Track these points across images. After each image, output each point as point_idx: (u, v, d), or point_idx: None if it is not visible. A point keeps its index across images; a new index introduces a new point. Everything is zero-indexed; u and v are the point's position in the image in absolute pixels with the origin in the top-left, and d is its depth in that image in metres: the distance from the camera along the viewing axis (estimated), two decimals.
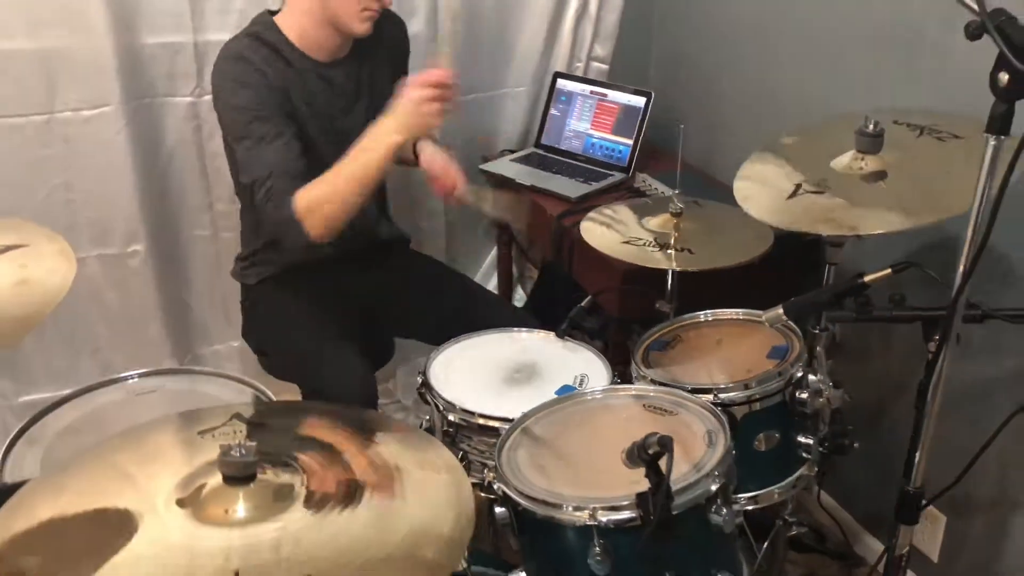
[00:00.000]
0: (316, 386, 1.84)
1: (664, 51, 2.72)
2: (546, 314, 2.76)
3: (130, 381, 1.64)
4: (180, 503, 1.01)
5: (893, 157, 1.53)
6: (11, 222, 1.20)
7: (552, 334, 1.87)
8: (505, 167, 2.48)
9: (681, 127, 1.76)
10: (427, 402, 1.71)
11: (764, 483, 1.52)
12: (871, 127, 1.48)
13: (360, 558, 0.95)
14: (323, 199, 1.72)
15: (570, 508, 1.20)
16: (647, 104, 2.42)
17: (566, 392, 1.65)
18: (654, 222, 1.83)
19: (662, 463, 1.09)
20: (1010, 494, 1.79)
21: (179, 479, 1.05)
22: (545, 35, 2.52)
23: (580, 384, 1.69)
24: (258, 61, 1.80)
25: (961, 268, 1.19)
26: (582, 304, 1.92)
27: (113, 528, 0.98)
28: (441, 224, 2.63)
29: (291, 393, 2.00)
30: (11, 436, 1.45)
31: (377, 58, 1.98)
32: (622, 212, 1.93)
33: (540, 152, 2.57)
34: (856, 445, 1.67)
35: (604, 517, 1.17)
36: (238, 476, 1.02)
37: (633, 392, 1.47)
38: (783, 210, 1.52)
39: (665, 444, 1.05)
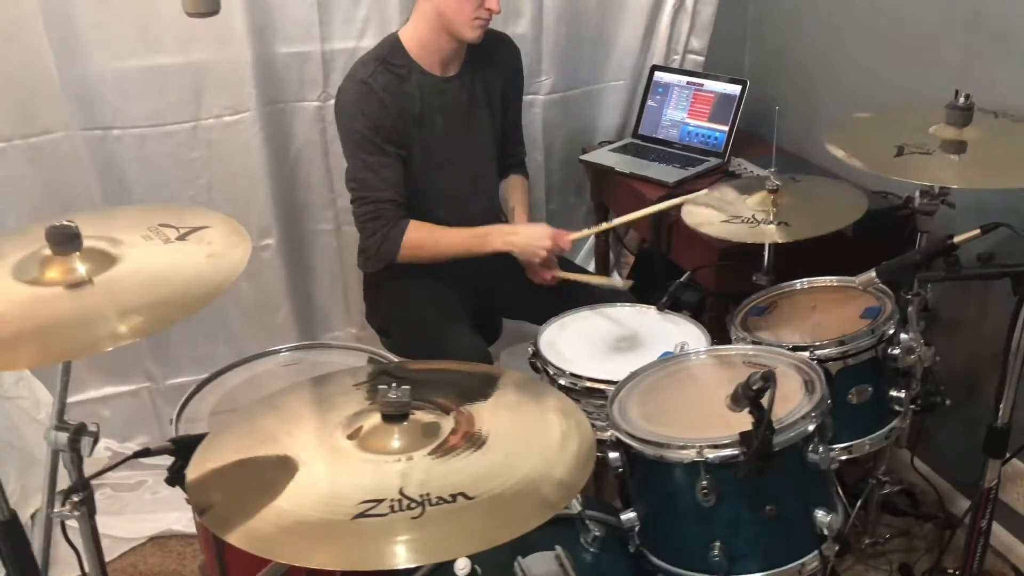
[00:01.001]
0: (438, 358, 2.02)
1: (758, 42, 2.81)
2: (643, 298, 2.90)
3: (281, 355, 1.87)
4: (349, 436, 1.20)
5: (976, 132, 1.61)
6: (195, 209, 1.40)
7: (652, 308, 2.00)
8: (603, 157, 2.62)
9: (777, 108, 1.86)
10: (538, 370, 1.86)
11: (857, 435, 1.62)
12: (962, 100, 1.56)
13: (490, 488, 1.10)
14: (425, 247, 2.05)
15: (678, 447, 1.33)
16: (743, 91, 2.52)
17: (668, 356, 1.79)
18: (752, 200, 1.93)
19: (764, 400, 1.21)
20: None
21: (344, 419, 1.24)
22: (644, 30, 2.65)
23: (680, 351, 1.81)
24: (380, 89, 2.01)
25: None
26: (681, 280, 2.05)
27: (285, 466, 1.17)
28: (543, 214, 2.79)
29: None
30: (186, 395, 1.69)
31: (490, 75, 2.17)
32: (721, 192, 2.04)
33: (637, 142, 2.69)
34: (948, 402, 1.74)
35: (711, 454, 1.30)
36: (395, 414, 1.20)
37: (734, 351, 1.59)
38: (892, 166, 1.59)
39: (768, 378, 1.17)
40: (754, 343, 1.64)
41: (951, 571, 1.87)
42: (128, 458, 1.38)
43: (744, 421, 1.29)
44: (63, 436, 1.18)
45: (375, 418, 1.23)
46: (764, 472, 1.23)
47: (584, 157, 2.65)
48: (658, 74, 2.69)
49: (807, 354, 1.55)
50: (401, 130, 2.04)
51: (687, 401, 1.50)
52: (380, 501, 1.06)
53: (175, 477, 1.31)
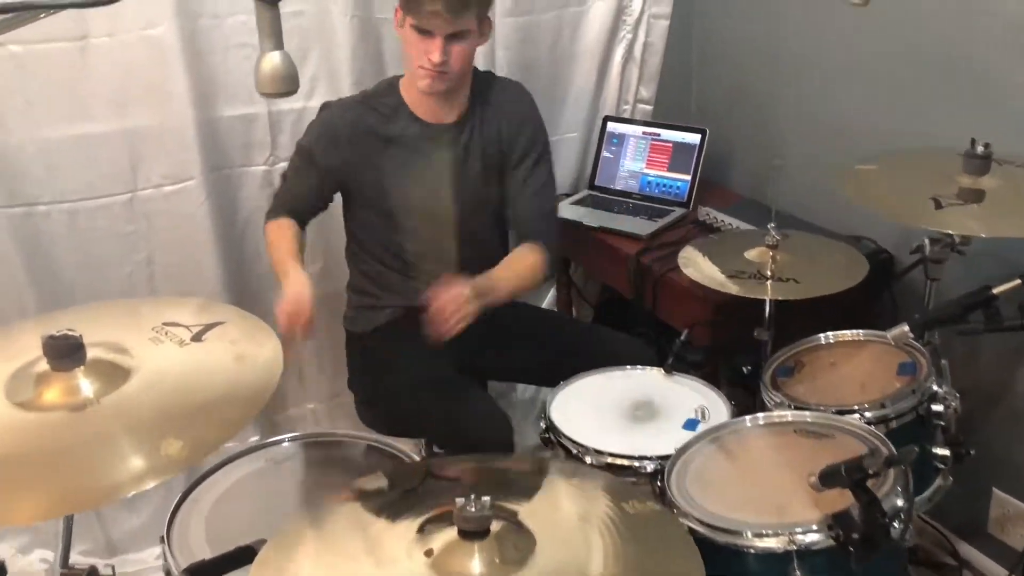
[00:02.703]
0: (451, 433, 1.86)
1: (704, 88, 2.81)
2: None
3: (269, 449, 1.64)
4: (426, 553, 1.04)
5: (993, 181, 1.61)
6: (192, 301, 1.21)
7: (658, 370, 1.91)
8: (567, 211, 2.53)
9: (777, 163, 1.82)
10: (550, 443, 1.73)
11: None
12: (980, 149, 1.56)
13: None
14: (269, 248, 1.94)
15: (762, 534, 1.22)
16: (703, 140, 2.50)
17: (693, 426, 1.69)
18: (751, 254, 1.89)
19: (870, 483, 1.12)
20: None
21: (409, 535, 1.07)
22: (595, 81, 2.59)
23: (702, 417, 1.73)
24: (342, 123, 1.91)
25: None
26: (681, 338, 1.98)
27: None
28: None
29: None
30: (174, 502, 1.46)
31: (492, 126, 2.00)
32: (713, 247, 1.98)
33: (596, 194, 2.62)
34: (972, 452, 1.72)
35: (803, 539, 1.20)
36: (475, 531, 1.05)
37: (779, 418, 1.51)
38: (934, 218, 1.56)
39: (883, 460, 1.09)
40: (797, 408, 1.56)
41: None
42: None
43: (827, 500, 1.20)
44: None
45: (448, 533, 1.07)
46: (872, 557, 1.14)
47: None
48: (611, 124, 2.64)
49: (856, 416, 1.48)
50: (352, 166, 1.94)
51: (750, 479, 1.41)
52: None
53: None
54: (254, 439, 2.41)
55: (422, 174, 1.96)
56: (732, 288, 1.79)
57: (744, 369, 2.01)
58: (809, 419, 1.46)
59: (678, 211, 2.48)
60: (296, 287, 1.73)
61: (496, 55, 2.42)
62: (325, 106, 2.02)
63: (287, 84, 0.91)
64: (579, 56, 2.56)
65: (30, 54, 1.91)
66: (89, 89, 1.99)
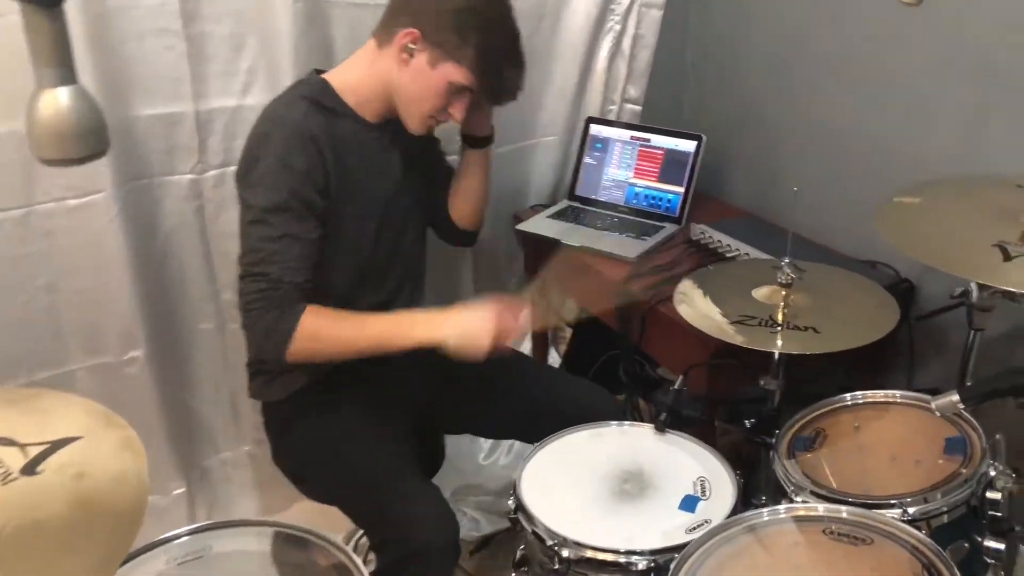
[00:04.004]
0: (385, 528, 1.54)
1: (700, 90, 2.52)
2: (577, 374, 2.54)
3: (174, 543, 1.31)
4: None
5: None
6: (48, 396, 0.88)
7: (646, 427, 1.63)
8: (544, 225, 2.23)
9: (795, 190, 1.52)
10: (520, 529, 1.44)
11: None
12: None
13: None
14: (324, 338, 1.54)
15: None
16: (698, 148, 2.20)
17: (692, 505, 1.41)
18: (760, 293, 1.59)
19: None
20: None
21: None
22: (578, 78, 2.28)
23: (702, 493, 1.45)
24: (318, 132, 1.55)
25: None
26: (675, 387, 1.69)
27: None
28: (469, 290, 2.38)
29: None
30: None
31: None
32: (714, 281, 1.69)
33: (577, 205, 2.32)
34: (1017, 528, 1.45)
35: None
36: None
37: (806, 512, 1.22)
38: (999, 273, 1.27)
39: None
40: (821, 497, 1.27)
41: None
42: None
43: None
44: None
45: None
46: None
47: (521, 227, 2.25)
48: (595, 127, 2.33)
49: (898, 513, 1.20)
50: (336, 187, 1.57)
51: None
52: None
53: None
54: (179, 491, 2.12)
55: (378, 183, 1.68)
56: (737, 338, 1.49)
57: (747, 422, 1.73)
58: (845, 515, 1.17)
59: (669, 227, 2.19)
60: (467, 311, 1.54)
61: None
62: (283, 125, 1.55)
63: (83, 143, 0.58)
64: (560, 49, 2.25)
65: None
66: None
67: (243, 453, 2.20)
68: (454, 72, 1.56)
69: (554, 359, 2.57)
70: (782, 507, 1.24)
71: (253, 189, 1.53)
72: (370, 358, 1.69)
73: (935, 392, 1.88)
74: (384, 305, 1.70)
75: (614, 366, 2.61)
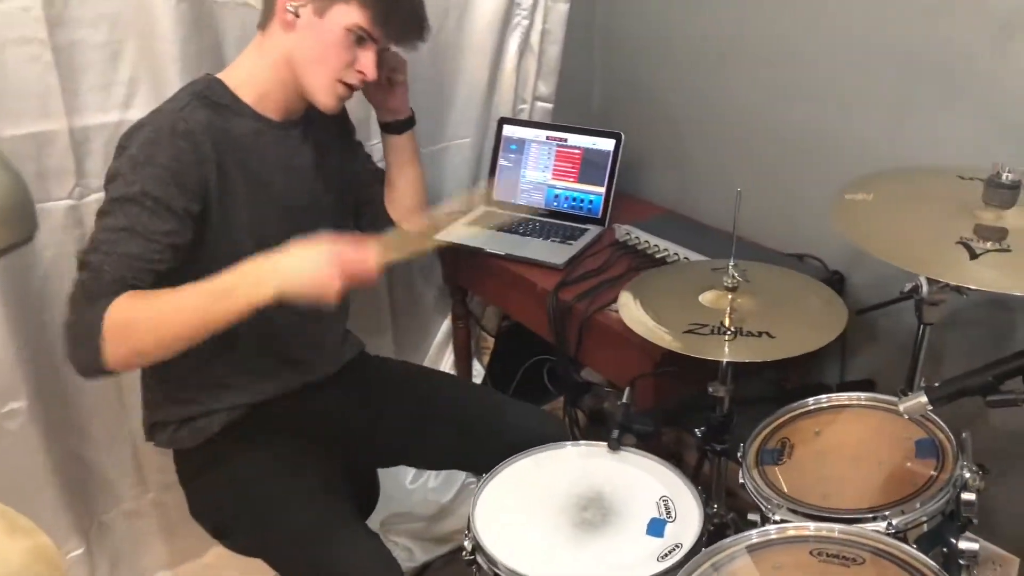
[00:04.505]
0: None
1: (609, 86, 2.44)
2: (500, 386, 2.45)
3: None
4: None
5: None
6: None
7: (598, 446, 1.54)
8: (461, 234, 2.10)
9: (738, 191, 1.45)
10: (478, 571, 1.32)
11: None
12: (1007, 176, 1.23)
13: None
14: (137, 324, 1.26)
15: None
16: (617, 147, 2.12)
17: (659, 529, 1.33)
18: (706, 298, 1.53)
19: None
20: None
21: None
22: (488, 75, 2.16)
23: (668, 514, 1.37)
24: (197, 127, 1.38)
25: None
26: (622, 400, 1.61)
27: None
28: (385, 304, 2.24)
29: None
30: None
31: (328, 123, 1.62)
32: (655, 288, 1.61)
33: (494, 211, 2.21)
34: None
35: None
36: None
37: (796, 532, 1.15)
38: (967, 272, 1.21)
39: None
40: (803, 515, 1.20)
41: None
42: None
43: None
44: None
45: None
46: None
47: (440, 236, 2.11)
48: (508, 128, 2.22)
49: (883, 525, 1.15)
50: (222, 188, 1.40)
51: None
52: None
53: None
54: (76, 552, 1.90)
55: (283, 185, 1.53)
56: (692, 350, 1.41)
57: (697, 431, 1.66)
58: (837, 534, 1.11)
59: (593, 229, 2.11)
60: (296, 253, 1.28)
61: None
62: (161, 116, 1.40)
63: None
64: (467, 43, 2.12)
65: None
66: None
67: (147, 501, 1.99)
68: (345, 13, 1.41)
69: (478, 371, 2.46)
70: (772, 528, 1.17)
71: (113, 182, 1.35)
72: (289, 392, 1.55)
73: (869, 384, 1.90)
74: (300, 322, 1.54)
75: (538, 373, 2.54)
